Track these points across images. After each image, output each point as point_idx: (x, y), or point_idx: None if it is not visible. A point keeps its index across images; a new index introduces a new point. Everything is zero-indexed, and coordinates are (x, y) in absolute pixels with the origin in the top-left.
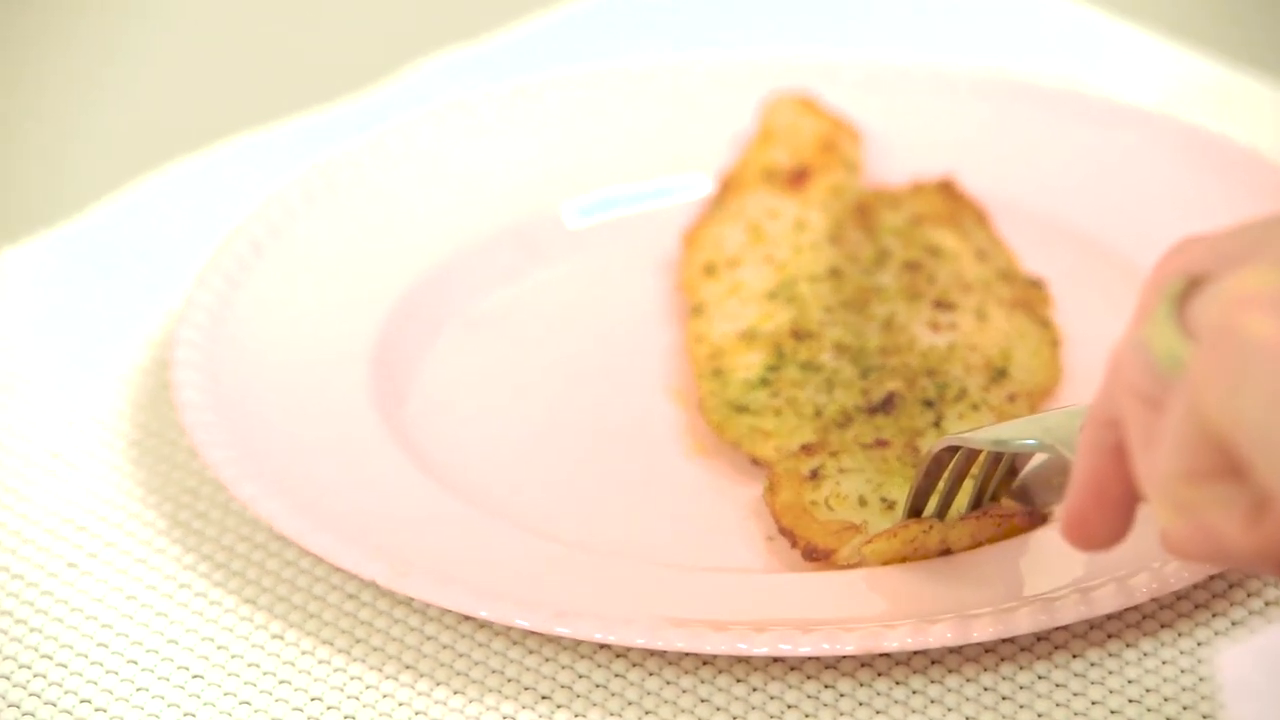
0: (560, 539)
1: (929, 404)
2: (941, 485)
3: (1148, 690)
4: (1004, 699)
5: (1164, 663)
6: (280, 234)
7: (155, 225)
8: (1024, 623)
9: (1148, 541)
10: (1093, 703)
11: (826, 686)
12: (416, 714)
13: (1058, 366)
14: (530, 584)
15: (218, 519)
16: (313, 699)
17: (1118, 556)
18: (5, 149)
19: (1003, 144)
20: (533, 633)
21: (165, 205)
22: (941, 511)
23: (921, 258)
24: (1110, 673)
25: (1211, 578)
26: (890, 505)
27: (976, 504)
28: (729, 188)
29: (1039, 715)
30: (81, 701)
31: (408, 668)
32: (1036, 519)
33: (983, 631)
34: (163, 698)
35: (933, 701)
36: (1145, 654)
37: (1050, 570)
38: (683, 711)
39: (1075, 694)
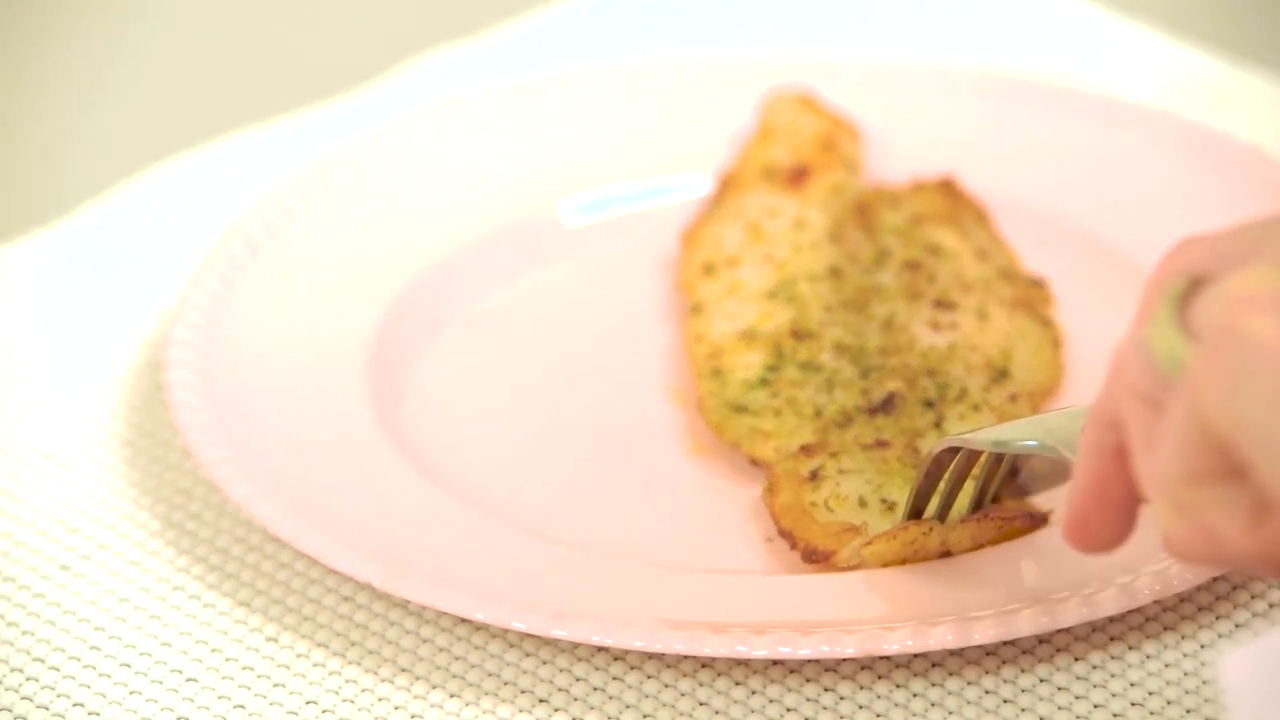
0: (558, 540)
1: (929, 404)
2: (942, 486)
3: (1150, 693)
4: (1005, 702)
5: (1167, 665)
6: (276, 233)
7: (149, 224)
8: (1026, 625)
9: (1150, 543)
10: (1095, 706)
11: (826, 689)
12: (412, 717)
13: (1059, 366)
14: (528, 586)
15: (212, 520)
16: (307, 702)
17: (1120, 558)
18: None
19: (1003, 142)
20: (530, 635)
21: (160, 204)
22: (942, 513)
23: (922, 257)
24: (1113, 675)
25: (1214, 580)
26: (890, 506)
27: (977, 505)
28: (728, 186)
29: (1040, 718)
30: (74, 705)
31: (403, 670)
32: (1038, 521)
33: (984, 634)
34: (155, 701)
35: (933, 704)
36: (1148, 656)
37: (1052, 572)
38: (681, 715)
39: (1077, 697)
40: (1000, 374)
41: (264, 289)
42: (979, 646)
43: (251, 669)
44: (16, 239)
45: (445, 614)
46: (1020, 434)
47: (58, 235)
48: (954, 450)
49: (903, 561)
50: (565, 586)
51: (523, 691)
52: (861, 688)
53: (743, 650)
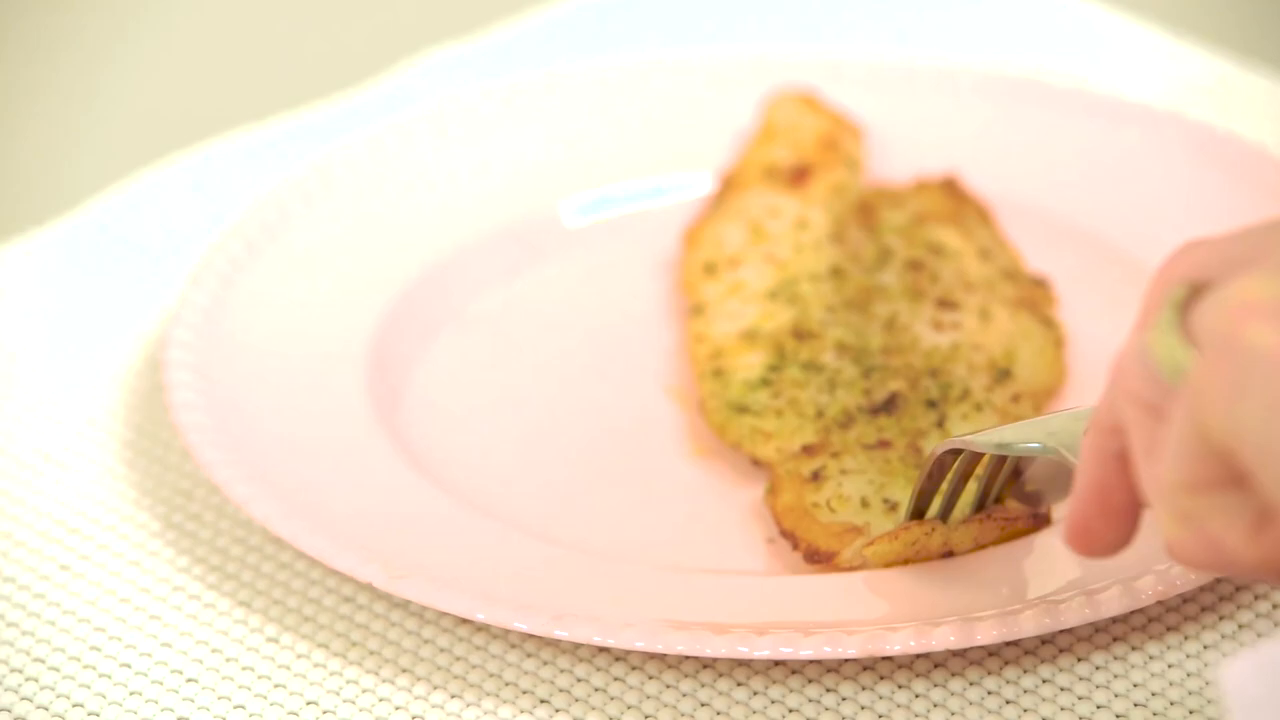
0: (559, 541)
1: (932, 404)
2: (945, 487)
3: (1153, 694)
4: (1008, 702)
5: (1170, 666)
6: (275, 232)
7: (148, 223)
8: (1028, 625)
9: (1153, 545)
10: (1098, 706)
11: (828, 690)
12: (413, 718)
13: (1062, 366)
14: (529, 587)
15: (211, 521)
16: (308, 703)
17: (1123, 559)
18: None
19: (1006, 142)
20: (531, 636)
21: (158, 203)
22: (945, 513)
23: (924, 256)
24: (1115, 676)
25: (1218, 580)
26: (893, 507)
27: (980, 506)
28: (730, 186)
29: (1043, 719)
30: (74, 705)
31: (404, 671)
32: (1040, 521)
33: (986, 634)
34: (155, 701)
35: (936, 705)
36: (1151, 657)
37: (1055, 573)
38: (683, 715)
39: (1080, 697)
40: (1003, 374)
41: (263, 289)
42: (981, 647)
43: (251, 669)
44: (16, 239)
45: (446, 615)
46: (1023, 436)
47: (57, 235)
48: (956, 451)
49: (905, 562)
50: (566, 587)
51: (524, 692)
52: (864, 688)
53: (744, 651)
